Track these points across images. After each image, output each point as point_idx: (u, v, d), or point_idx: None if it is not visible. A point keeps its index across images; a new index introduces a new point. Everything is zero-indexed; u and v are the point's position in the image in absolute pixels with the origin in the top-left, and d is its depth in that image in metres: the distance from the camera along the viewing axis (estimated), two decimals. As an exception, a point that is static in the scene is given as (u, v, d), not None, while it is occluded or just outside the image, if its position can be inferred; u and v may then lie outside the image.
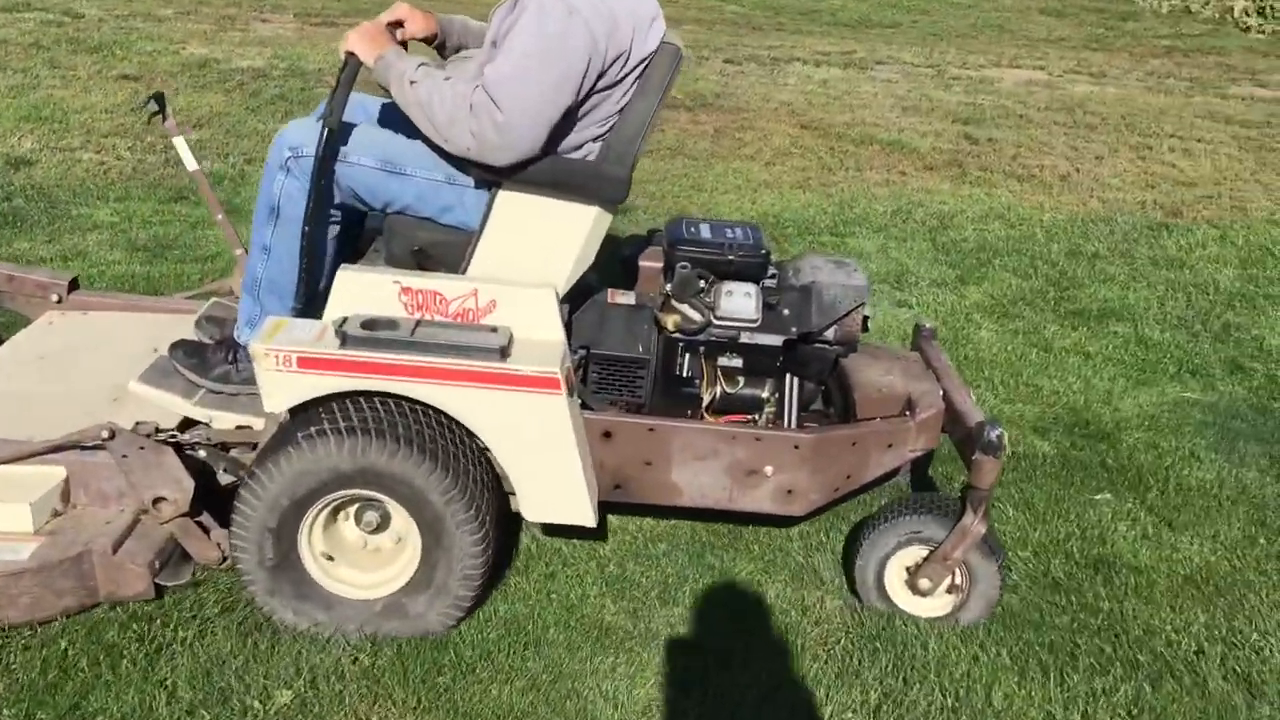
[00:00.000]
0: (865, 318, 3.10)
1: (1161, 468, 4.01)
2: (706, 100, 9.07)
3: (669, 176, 6.98)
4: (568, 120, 2.78)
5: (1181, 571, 3.42)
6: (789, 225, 6.27)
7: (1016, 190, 7.22)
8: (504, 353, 2.72)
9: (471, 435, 2.79)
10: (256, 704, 2.63)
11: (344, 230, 3.00)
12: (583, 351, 3.09)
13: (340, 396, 2.73)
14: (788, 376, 3.17)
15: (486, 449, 2.81)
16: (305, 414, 2.72)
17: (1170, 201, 7.14)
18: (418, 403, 2.74)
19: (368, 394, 2.74)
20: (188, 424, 3.02)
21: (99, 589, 2.77)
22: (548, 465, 2.81)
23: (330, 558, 2.82)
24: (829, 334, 3.10)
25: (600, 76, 2.74)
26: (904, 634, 3.01)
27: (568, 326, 3.06)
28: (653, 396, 3.13)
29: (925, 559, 3.01)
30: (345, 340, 2.69)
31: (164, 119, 3.54)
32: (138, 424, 2.88)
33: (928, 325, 3.52)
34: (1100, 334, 5.13)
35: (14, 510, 2.76)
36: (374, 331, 2.71)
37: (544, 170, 2.79)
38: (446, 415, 2.76)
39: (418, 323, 2.77)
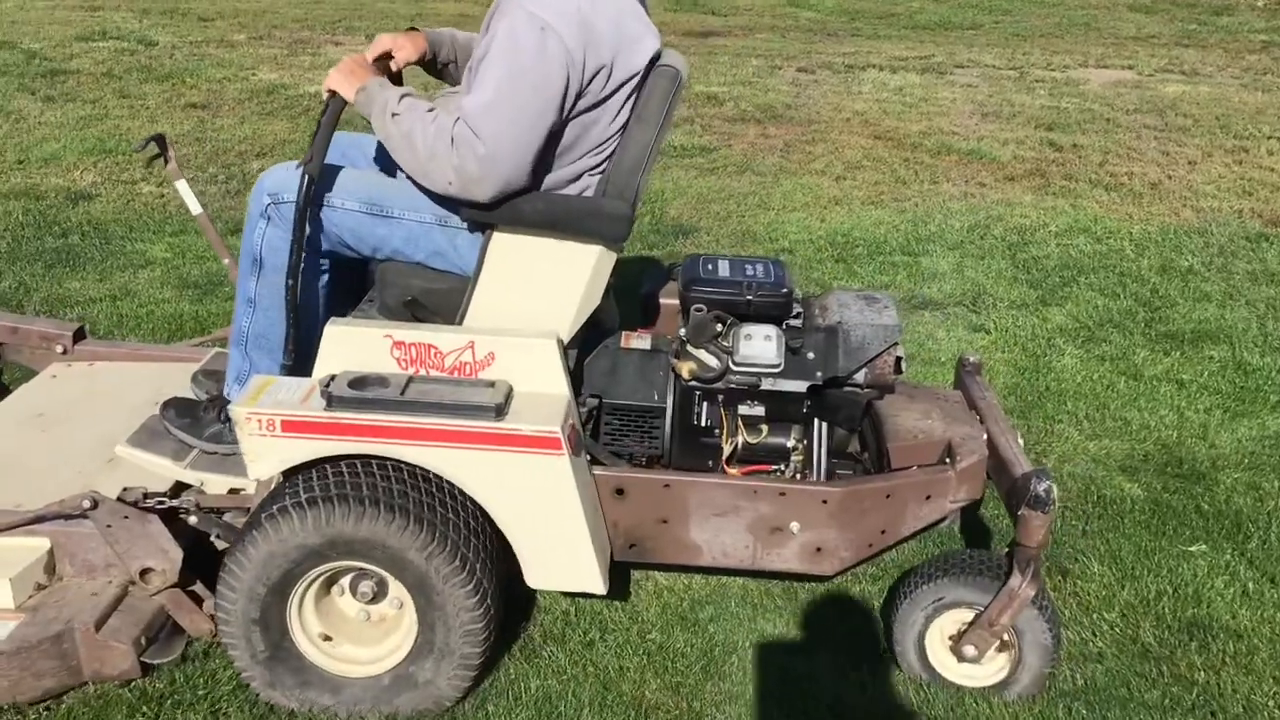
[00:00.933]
0: (899, 359, 2.83)
1: (1262, 513, 3.63)
2: (777, 112, 8.80)
3: (735, 194, 6.73)
4: (555, 150, 2.58)
5: (1285, 635, 3.07)
6: (859, 245, 5.97)
7: (1103, 200, 6.81)
8: (500, 411, 2.50)
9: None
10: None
11: (337, 279, 2.82)
12: (595, 401, 2.88)
13: (321, 462, 2.55)
14: (816, 423, 2.91)
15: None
16: (275, 489, 2.56)
17: (1270, 210, 6.65)
18: (405, 463, 2.55)
19: (355, 458, 2.56)
20: (184, 487, 2.87)
21: (82, 669, 2.62)
22: (550, 529, 2.59)
23: (328, 638, 2.63)
24: (859, 377, 2.83)
25: (580, 95, 2.52)
26: (975, 714, 2.73)
27: (578, 374, 2.85)
28: (671, 448, 2.90)
29: (969, 625, 2.72)
30: (331, 401, 2.51)
31: (165, 161, 3.40)
32: (124, 490, 2.72)
33: (972, 359, 3.22)
34: (1195, 359, 4.74)
35: (-7, 586, 2.63)
36: (361, 391, 2.52)
37: (539, 209, 2.58)
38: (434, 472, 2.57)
39: (410, 379, 2.57)
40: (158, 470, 2.84)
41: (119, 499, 2.70)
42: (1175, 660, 2.95)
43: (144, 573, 2.66)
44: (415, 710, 2.61)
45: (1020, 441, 2.93)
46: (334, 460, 2.54)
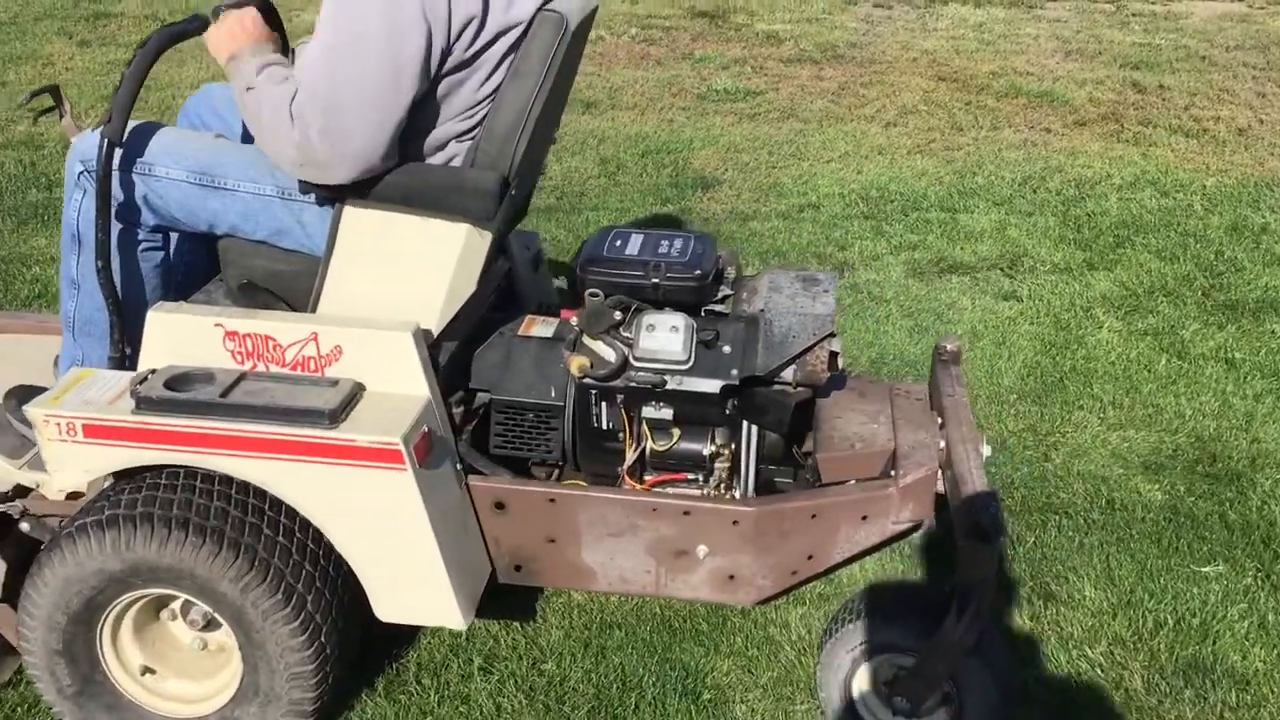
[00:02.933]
0: (834, 354, 2.39)
1: (1301, 525, 3.11)
2: (838, 52, 8.22)
3: (770, 144, 6.24)
4: (418, 116, 2.18)
5: (1303, 684, 2.58)
6: (895, 199, 5.46)
7: (1180, 149, 6.15)
8: (334, 417, 2.14)
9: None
10: None
11: (177, 258, 2.49)
12: (485, 396, 2.50)
13: (135, 473, 2.23)
14: (744, 427, 2.49)
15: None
16: (86, 503, 2.24)
17: (1370, 158, 5.96)
18: (226, 477, 2.21)
19: (171, 469, 2.22)
20: (26, 490, 2.57)
21: (-108, 691, 2.37)
22: (397, 555, 2.23)
23: (151, 670, 2.33)
24: (786, 374, 2.40)
25: (446, 55, 2.12)
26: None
27: (465, 365, 2.48)
28: (575, 453, 2.51)
29: (902, 673, 2.30)
30: (139, 402, 2.17)
31: (60, 115, 3.07)
32: (-54, 492, 2.46)
33: (949, 345, 2.73)
34: (1253, 334, 4.16)
35: None
36: (175, 391, 2.18)
37: (391, 182, 2.19)
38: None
39: (240, 377, 2.22)
40: (-10, 469, 2.55)
41: (-59, 502, 2.42)
42: (1162, 712, 2.49)
43: (-36, 586, 2.38)
44: (240, 758, 2.29)
45: (985, 450, 2.46)
46: (146, 471, 2.22)
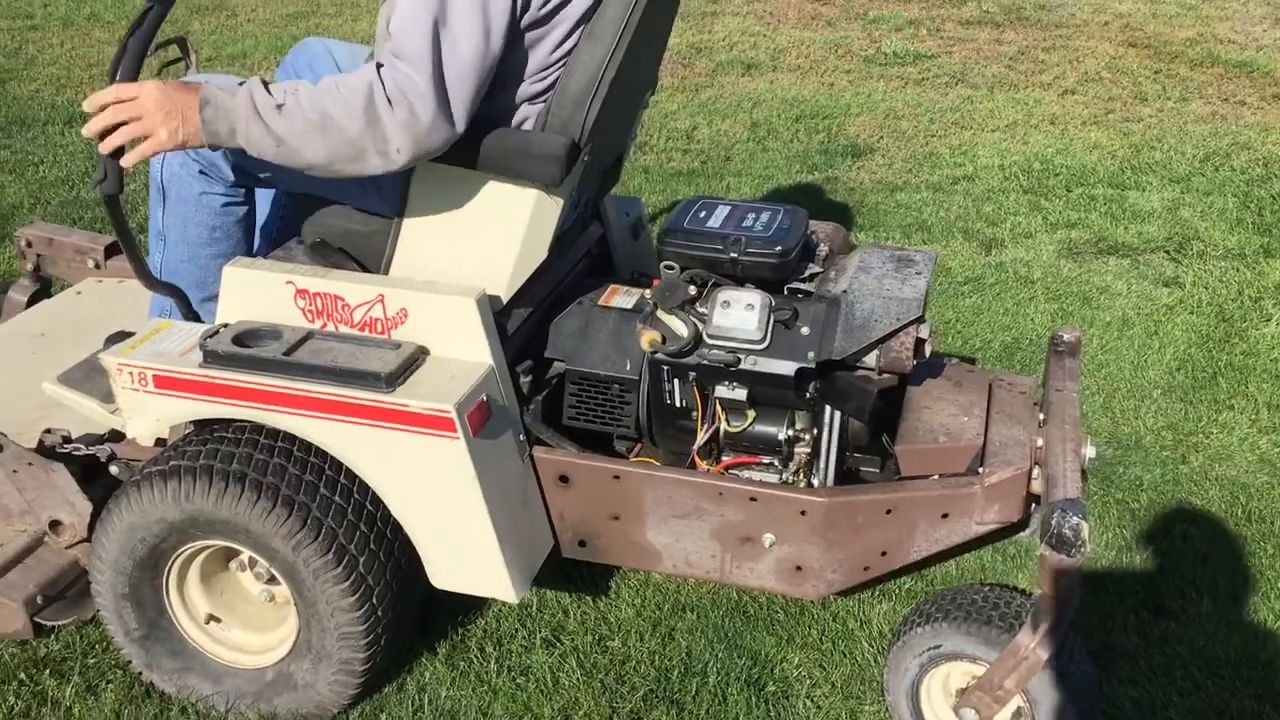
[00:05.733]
0: (920, 340, 2.23)
1: None
2: (1024, 13, 7.81)
3: (932, 110, 5.98)
4: (495, 77, 2.13)
5: None
6: (1059, 173, 5.15)
7: (1390, 126, 5.62)
8: (391, 380, 2.12)
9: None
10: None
11: (273, 212, 2.51)
12: (560, 366, 2.45)
13: (202, 426, 2.27)
14: (827, 413, 2.36)
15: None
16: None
17: None
18: (286, 435, 2.22)
19: (233, 424, 2.25)
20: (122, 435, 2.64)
21: (-24, 625, 2.48)
22: (450, 523, 2.20)
23: (217, 619, 2.37)
24: (869, 360, 2.26)
25: (524, 11, 2.05)
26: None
27: (542, 334, 2.43)
28: (650, 429, 2.44)
29: (972, 684, 2.16)
30: (206, 356, 2.20)
31: (186, 67, 3.13)
32: (46, 432, 2.55)
33: (1067, 335, 2.53)
34: None
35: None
36: (242, 347, 2.19)
37: (460, 143, 2.15)
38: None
39: (308, 335, 2.23)
40: (86, 412, 2.63)
41: (40, 443, 2.53)
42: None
43: (54, 525, 2.48)
44: (295, 714, 2.31)
45: (1089, 452, 2.27)
46: (213, 425, 2.25)
